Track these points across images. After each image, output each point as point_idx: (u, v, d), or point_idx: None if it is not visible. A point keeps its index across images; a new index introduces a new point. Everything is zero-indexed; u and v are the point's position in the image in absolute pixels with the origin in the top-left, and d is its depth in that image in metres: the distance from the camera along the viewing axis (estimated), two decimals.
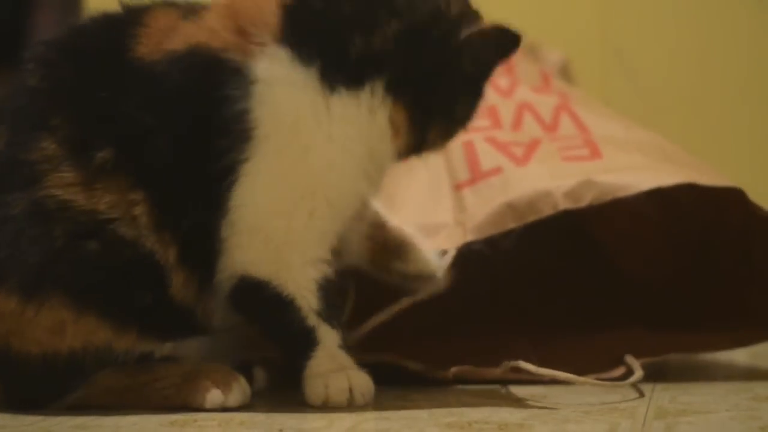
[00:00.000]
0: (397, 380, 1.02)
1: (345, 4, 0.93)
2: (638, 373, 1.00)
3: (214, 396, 0.92)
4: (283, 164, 0.92)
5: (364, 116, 0.93)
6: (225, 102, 0.91)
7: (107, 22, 0.97)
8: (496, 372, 1.01)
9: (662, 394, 0.97)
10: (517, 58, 1.22)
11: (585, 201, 1.04)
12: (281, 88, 0.92)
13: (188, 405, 0.92)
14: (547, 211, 1.04)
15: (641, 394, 0.97)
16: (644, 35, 1.67)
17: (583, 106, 1.16)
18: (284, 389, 0.98)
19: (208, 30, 0.93)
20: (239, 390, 0.93)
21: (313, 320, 0.93)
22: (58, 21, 1.86)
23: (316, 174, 0.92)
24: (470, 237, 1.05)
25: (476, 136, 1.10)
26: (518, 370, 0.99)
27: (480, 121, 1.07)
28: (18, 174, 0.93)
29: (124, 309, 0.92)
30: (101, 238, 0.91)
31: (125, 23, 0.95)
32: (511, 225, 1.05)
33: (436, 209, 1.08)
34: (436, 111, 0.95)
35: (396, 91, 0.94)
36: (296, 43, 0.92)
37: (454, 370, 1.03)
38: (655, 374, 1.06)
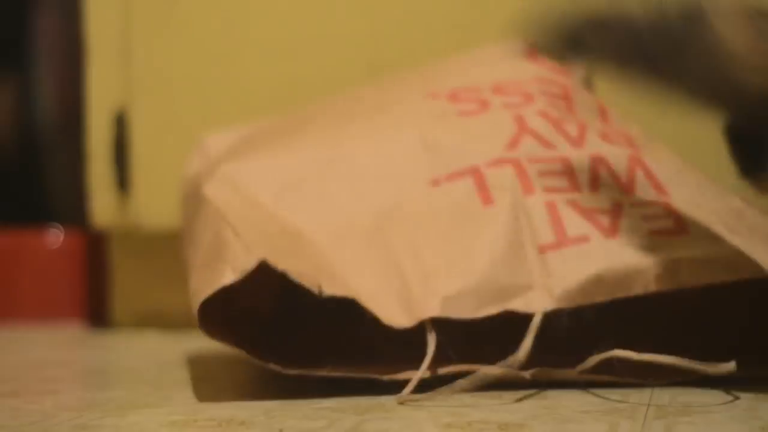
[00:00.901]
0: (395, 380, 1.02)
1: None
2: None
3: None
4: None
5: None
6: None
7: None
8: (575, 371, 0.98)
9: (662, 394, 0.97)
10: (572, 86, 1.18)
11: (676, 283, 1.01)
12: None
13: None
14: (637, 289, 1.01)
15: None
16: None
17: (649, 153, 1.11)
18: (286, 389, 0.98)
19: None
20: None
21: None
22: (59, 22, 1.86)
23: None
24: (557, 304, 1.00)
25: (558, 198, 1.05)
26: (609, 364, 0.96)
27: (557, 180, 1.05)
28: None
29: None
30: None
31: None
32: (599, 298, 1.01)
33: (518, 270, 1.02)
34: None
35: None
36: None
37: (533, 371, 0.98)
38: None
